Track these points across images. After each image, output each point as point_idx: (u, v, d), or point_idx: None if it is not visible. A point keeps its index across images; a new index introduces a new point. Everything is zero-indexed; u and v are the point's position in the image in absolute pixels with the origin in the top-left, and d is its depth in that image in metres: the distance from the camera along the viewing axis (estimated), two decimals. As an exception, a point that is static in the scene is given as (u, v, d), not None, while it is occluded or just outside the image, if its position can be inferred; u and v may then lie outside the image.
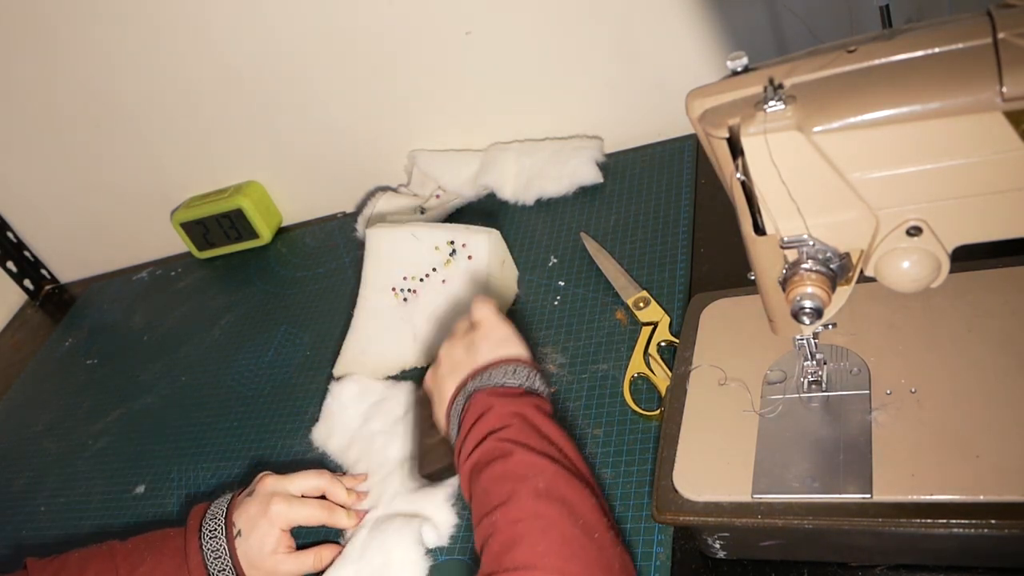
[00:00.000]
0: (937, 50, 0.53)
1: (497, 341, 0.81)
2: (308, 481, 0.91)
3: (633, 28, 1.19)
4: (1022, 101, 0.50)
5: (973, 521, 0.61)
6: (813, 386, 0.74)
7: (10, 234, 1.71)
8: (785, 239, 0.61)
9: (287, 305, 1.33)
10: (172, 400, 1.26)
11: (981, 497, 0.62)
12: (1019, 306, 0.72)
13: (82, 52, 1.39)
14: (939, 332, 0.73)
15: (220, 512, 0.89)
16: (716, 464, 0.72)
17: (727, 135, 0.57)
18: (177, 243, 1.56)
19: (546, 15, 1.20)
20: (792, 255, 0.62)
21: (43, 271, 1.76)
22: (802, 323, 0.61)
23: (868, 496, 0.65)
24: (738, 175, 0.58)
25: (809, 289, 0.60)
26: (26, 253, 1.73)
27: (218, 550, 0.86)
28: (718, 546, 0.74)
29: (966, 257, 0.62)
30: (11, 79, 1.46)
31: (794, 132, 0.55)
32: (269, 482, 0.90)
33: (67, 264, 1.76)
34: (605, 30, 1.20)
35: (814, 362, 0.73)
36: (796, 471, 0.68)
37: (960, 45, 0.52)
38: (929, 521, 0.62)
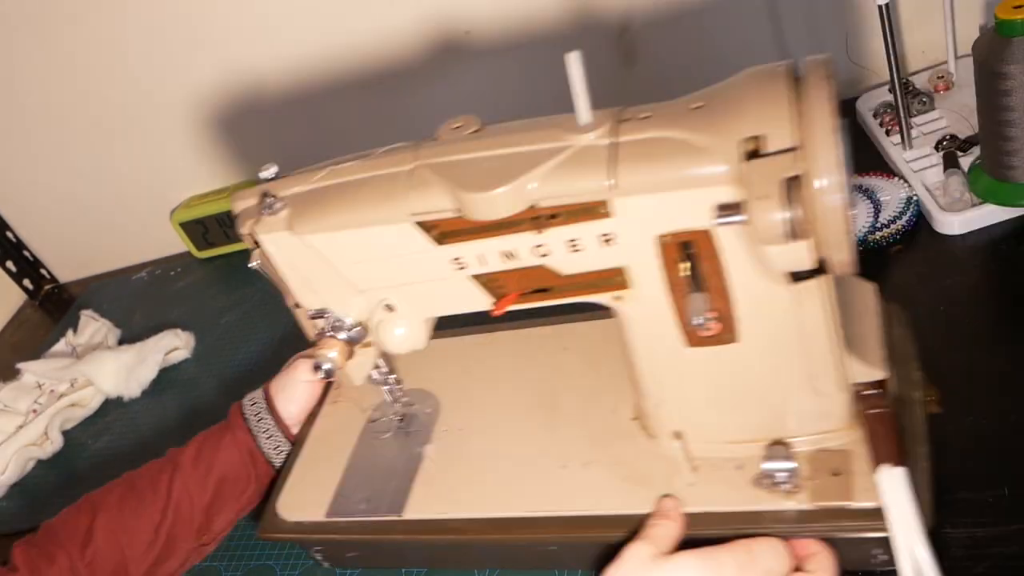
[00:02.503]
0: (375, 173, 0.69)
1: None
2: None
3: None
4: (424, 215, 0.67)
5: (475, 536, 0.77)
6: (397, 423, 0.91)
7: (10, 234, 1.74)
8: (311, 311, 0.77)
9: (287, 305, 1.36)
10: (172, 400, 1.30)
11: (482, 514, 0.78)
12: (554, 357, 0.90)
13: (82, 52, 1.42)
14: (496, 378, 0.91)
15: (259, 392, 0.96)
16: (311, 488, 0.87)
17: (247, 232, 0.73)
18: (177, 243, 1.60)
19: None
20: (321, 323, 0.77)
21: (43, 271, 1.80)
22: (322, 378, 0.76)
23: (399, 516, 0.80)
24: (255, 264, 0.75)
25: (325, 352, 0.76)
26: (26, 253, 1.77)
27: (260, 413, 0.93)
28: (320, 557, 0.89)
29: (530, 316, 0.82)
30: (11, 79, 1.49)
31: (286, 232, 0.72)
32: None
33: (67, 264, 1.79)
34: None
35: (399, 404, 0.91)
36: (359, 495, 0.84)
37: (389, 171, 0.68)
38: (440, 537, 0.79)
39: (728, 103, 0.59)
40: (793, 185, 0.54)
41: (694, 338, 0.67)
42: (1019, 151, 0.89)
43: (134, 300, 1.58)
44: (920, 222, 1.01)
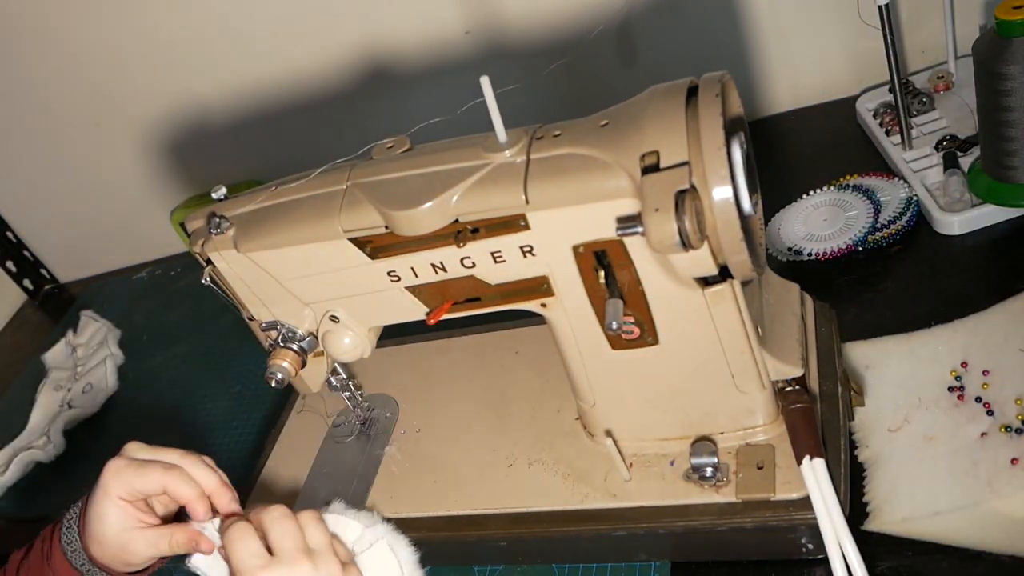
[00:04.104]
0: (312, 193, 0.83)
1: None
2: (165, 455, 0.81)
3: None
4: (356, 232, 0.80)
5: (428, 534, 0.90)
6: (359, 427, 1.05)
7: (10, 234, 1.91)
8: (263, 324, 0.91)
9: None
10: (171, 400, 1.45)
11: (434, 512, 0.92)
12: (507, 362, 1.04)
13: (82, 52, 1.58)
14: (452, 382, 1.05)
15: (79, 502, 0.84)
16: (277, 491, 1.01)
17: (199, 251, 0.88)
18: (177, 243, 1.75)
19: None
20: (273, 334, 0.91)
21: (43, 271, 1.97)
22: (274, 387, 0.90)
23: None
24: (207, 280, 0.89)
25: (278, 362, 0.89)
26: (26, 253, 1.94)
27: (72, 541, 0.81)
28: None
29: (483, 320, 0.95)
30: (11, 79, 1.65)
31: (233, 251, 0.85)
32: (119, 454, 0.82)
33: (67, 264, 1.96)
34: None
35: (360, 410, 1.04)
36: (321, 497, 0.96)
37: (324, 190, 0.82)
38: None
39: (630, 120, 0.73)
40: (687, 197, 0.67)
41: (617, 342, 0.81)
42: (1019, 151, 0.98)
43: (134, 300, 1.74)
44: (920, 222, 1.11)
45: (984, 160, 1.04)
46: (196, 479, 0.80)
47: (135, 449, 0.82)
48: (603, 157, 0.72)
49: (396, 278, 0.83)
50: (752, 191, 0.73)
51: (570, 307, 0.80)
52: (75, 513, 0.83)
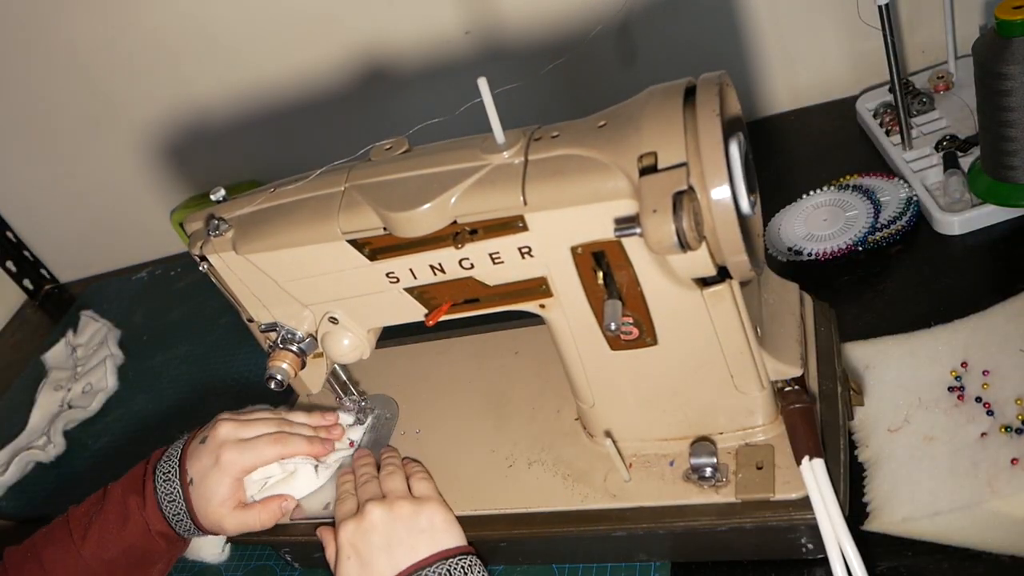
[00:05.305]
0: (311, 195, 0.83)
1: (440, 527, 0.87)
2: (263, 427, 0.96)
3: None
4: (355, 233, 0.80)
5: None
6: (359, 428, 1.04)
7: (10, 234, 1.92)
8: (263, 325, 0.92)
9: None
10: (171, 400, 1.45)
11: None
12: (506, 362, 1.04)
13: (82, 52, 1.58)
14: (452, 382, 1.06)
15: (175, 455, 0.96)
16: None
17: (200, 253, 0.88)
18: (177, 243, 1.76)
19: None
20: (273, 336, 0.92)
21: (43, 271, 1.98)
22: (273, 389, 0.91)
23: None
24: (203, 268, 0.89)
25: (277, 364, 0.90)
26: (26, 253, 1.95)
27: (172, 494, 0.93)
28: (289, 558, 1.03)
29: (482, 321, 0.94)
30: (12, 79, 1.66)
31: (232, 253, 0.86)
32: (222, 431, 0.95)
33: (67, 264, 1.97)
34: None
35: (357, 411, 1.04)
36: (322, 499, 0.97)
37: (323, 192, 0.83)
38: None
39: (628, 121, 0.72)
40: (685, 198, 0.67)
41: (616, 342, 0.81)
42: (1019, 151, 0.99)
43: (134, 300, 1.75)
44: (920, 222, 1.12)
45: (984, 160, 1.04)
46: (298, 430, 0.97)
47: (233, 429, 0.95)
48: (601, 158, 0.72)
49: (395, 279, 0.83)
50: (750, 191, 0.73)
51: (569, 308, 0.80)
52: (172, 469, 0.94)
